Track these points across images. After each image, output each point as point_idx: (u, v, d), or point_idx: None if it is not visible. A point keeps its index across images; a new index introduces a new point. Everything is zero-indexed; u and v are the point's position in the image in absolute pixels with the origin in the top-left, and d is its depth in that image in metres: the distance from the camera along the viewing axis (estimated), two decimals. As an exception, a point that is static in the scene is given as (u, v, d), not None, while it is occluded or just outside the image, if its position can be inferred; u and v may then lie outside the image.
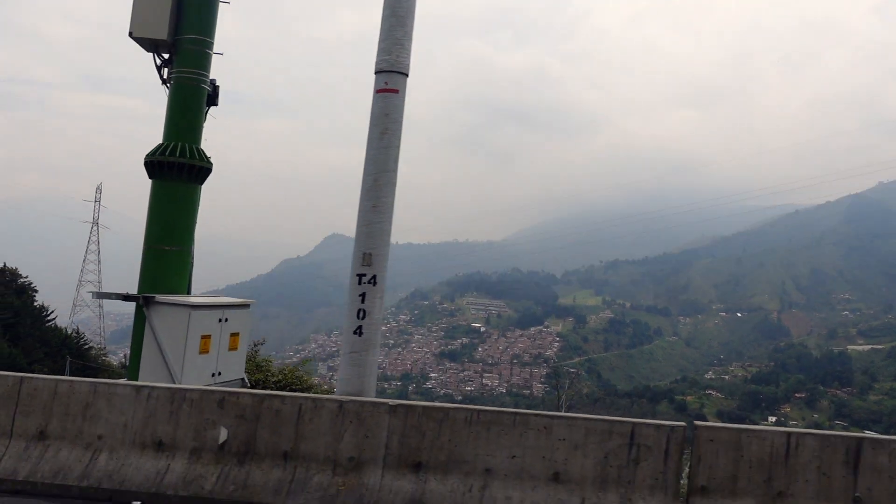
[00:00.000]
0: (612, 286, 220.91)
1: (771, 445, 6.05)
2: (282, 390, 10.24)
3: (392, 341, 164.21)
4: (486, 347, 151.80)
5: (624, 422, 6.21)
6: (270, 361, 12.75)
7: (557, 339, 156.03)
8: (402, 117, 7.52)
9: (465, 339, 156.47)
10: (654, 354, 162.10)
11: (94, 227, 66.32)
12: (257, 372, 11.71)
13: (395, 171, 7.53)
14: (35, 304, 24.11)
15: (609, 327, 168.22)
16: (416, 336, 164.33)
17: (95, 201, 66.42)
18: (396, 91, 7.45)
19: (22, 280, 25.19)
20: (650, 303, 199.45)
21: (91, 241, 66.82)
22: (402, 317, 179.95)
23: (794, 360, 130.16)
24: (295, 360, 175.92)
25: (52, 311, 24.74)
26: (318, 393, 10.32)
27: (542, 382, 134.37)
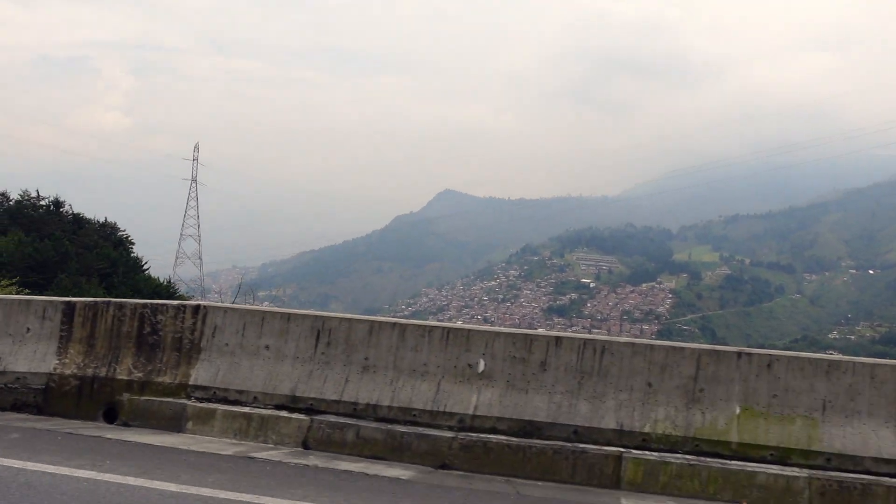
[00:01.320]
0: (732, 242, 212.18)
1: None
2: None
3: (501, 296, 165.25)
4: (595, 303, 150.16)
5: None
6: None
7: (670, 295, 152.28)
8: None
9: (573, 295, 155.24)
10: (773, 313, 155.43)
11: (193, 184, 69.64)
12: None
13: None
14: (132, 255, 25.92)
15: (725, 284, 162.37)
16: (525, 291, 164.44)
17: (194, 160, 69.70)
18: None
19: (120, 233, 27.14)
20: (772, 259, 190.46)
21: (190, 198, 70.20)
22: (512, 272, 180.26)
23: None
24: (407, 313, 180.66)
25: (147, 262, 26.54)
26: None
27: (652, 338, 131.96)
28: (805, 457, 5.83)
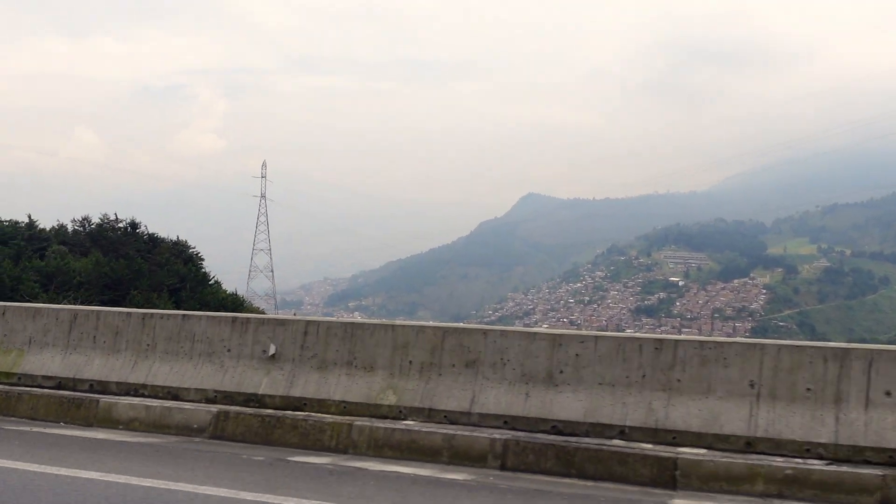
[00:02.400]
0: (831, 233, 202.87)
1: None
2: None
3: (587, 298, 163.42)
4: (684, 302, 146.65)
5: None
6: None
7: (764, 291, 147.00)
8: None
9: (662, 294, 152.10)
10: (878, 305, 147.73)
11: (262, 201, 72.11)
12: None
13: None
14: (201, 271, 27.48)
15: (824, 277, 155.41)
16: (612, 292, 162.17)
17: (262, 177, 72.26)
18: None
19: (191, 250, 28.80)
20: (875, 249, 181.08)
21: (260, 213, 72.60)
22: (598, 273, 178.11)
23: None
24: (493, 318, 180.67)
25: (214, 277, 28.04)
26: None
27: (745, 336, 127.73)
28: (7, 377, 8.23)
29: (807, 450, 5.81)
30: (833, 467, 5.52)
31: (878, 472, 5.41)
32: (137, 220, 28.03)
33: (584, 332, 7.05)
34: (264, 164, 72.74)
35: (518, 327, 7.15)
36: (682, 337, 6.69)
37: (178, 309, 24.65)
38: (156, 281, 23.72)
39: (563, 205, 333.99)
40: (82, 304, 21.14)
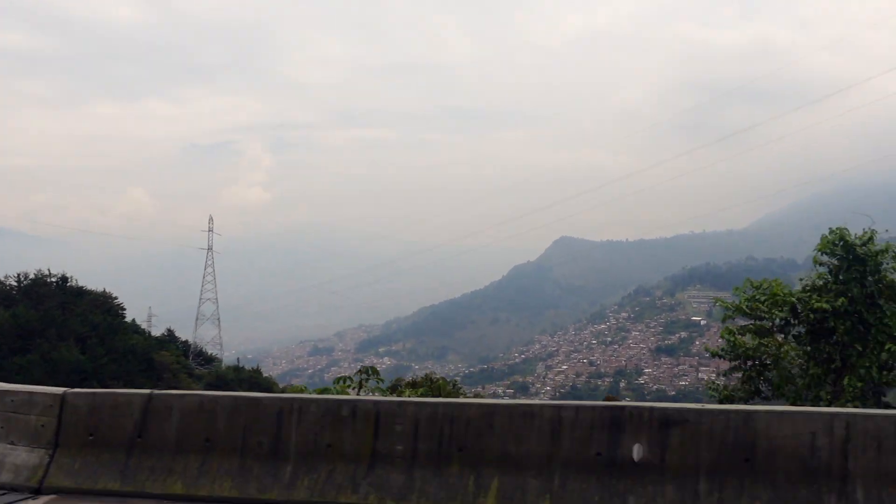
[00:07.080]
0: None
1: None
2: None
3: (609, 338, 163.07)
4: (703, 341, 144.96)
5: None
6: None
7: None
8: None
9: (683, 334, 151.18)
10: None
11: (209, 253, 75.52)
12: None
13: None
14: (119, 320, 29.94)
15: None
16: (634, 332, 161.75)
17: (210, 230, 75.94)
18: None
19: (114, 301, 31.37)
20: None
21: (207, 265, 75.87)
22: (623, 314, 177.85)
23: None
24: (519, 360, 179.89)
25: (147, 324, 30.50)
26: None
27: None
28: None
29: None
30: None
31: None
32: (68, 275, 30.86)
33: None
34: (211, 219, 76.42)
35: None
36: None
37: (83, 355, 27.27)
38: (65, 330, 26.17)
39: (596, 247, 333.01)
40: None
